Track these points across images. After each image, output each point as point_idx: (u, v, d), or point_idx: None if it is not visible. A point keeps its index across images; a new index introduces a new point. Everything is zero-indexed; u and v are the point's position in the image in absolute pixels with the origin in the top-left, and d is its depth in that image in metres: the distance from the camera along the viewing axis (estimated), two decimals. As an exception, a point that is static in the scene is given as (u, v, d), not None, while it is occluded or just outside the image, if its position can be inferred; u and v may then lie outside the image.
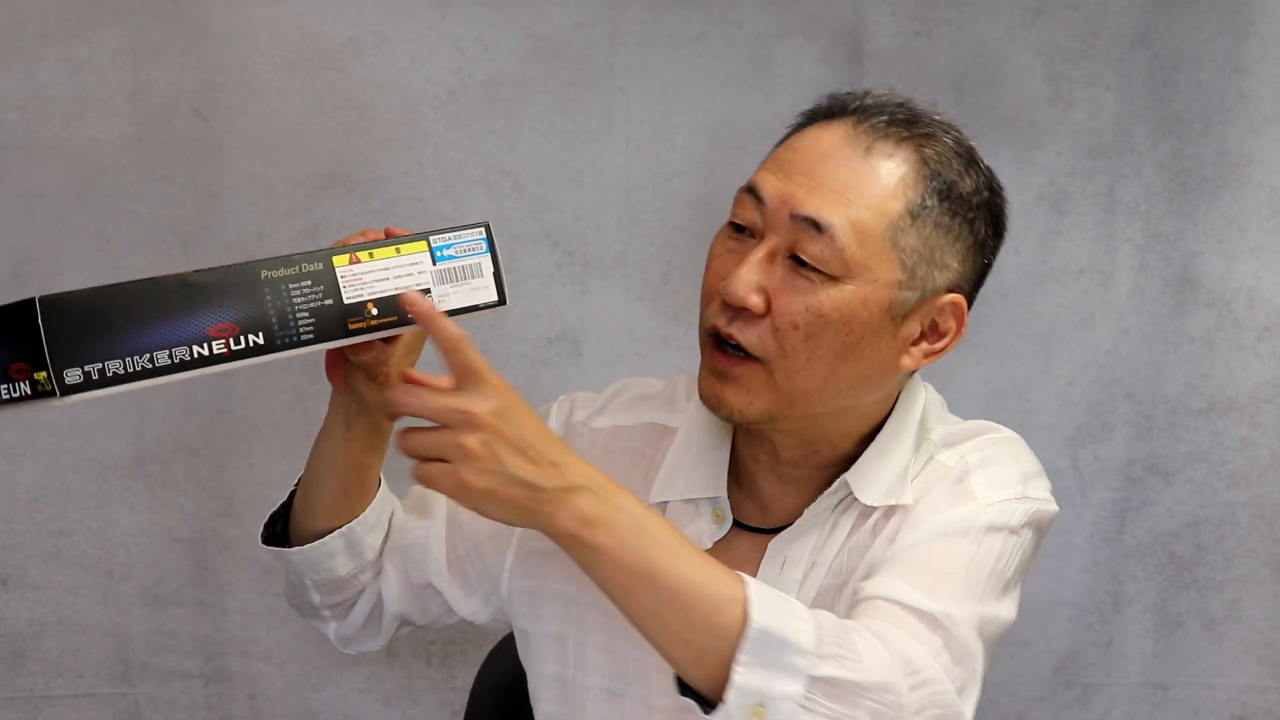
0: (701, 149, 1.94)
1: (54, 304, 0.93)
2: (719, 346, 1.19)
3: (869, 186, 1.17)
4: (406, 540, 1.35)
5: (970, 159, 1.23)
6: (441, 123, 1.92)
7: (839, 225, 1.16)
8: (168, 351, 0.98)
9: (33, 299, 0.93)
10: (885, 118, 1.20)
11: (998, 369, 1.97)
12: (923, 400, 1.29)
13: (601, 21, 1.93)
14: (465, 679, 1.91)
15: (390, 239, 1.12)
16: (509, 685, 1.46)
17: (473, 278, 1.13)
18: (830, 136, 1.20)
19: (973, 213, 1.21)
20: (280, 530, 1.34)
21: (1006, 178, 1.95)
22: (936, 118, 1.22)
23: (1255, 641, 1.97)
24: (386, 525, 1.34)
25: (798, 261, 1.16)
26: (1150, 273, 1.95)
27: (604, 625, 1.27)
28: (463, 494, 1.03)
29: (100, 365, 0.95)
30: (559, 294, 1.95)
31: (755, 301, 1.16)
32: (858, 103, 1.22)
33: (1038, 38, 1.93)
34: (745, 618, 1.02)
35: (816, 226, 1.16)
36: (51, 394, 0.93)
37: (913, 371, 1.25)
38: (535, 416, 1.05)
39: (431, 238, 1.12)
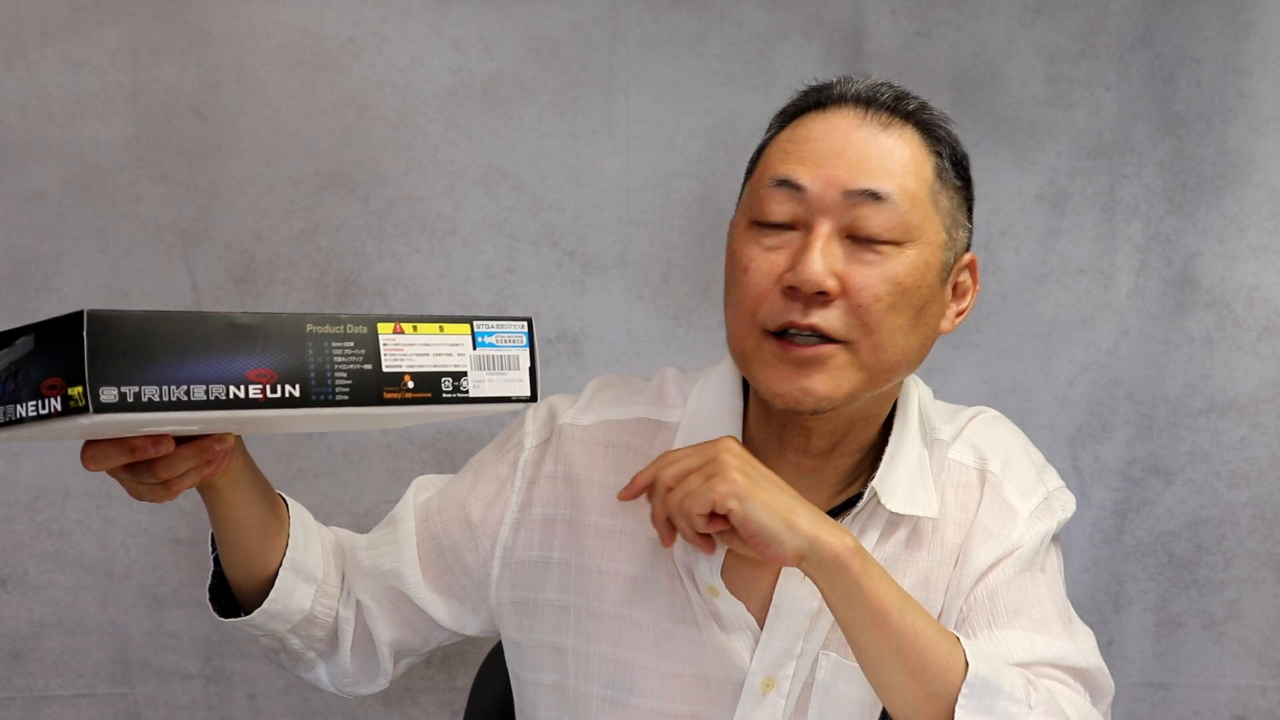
0: (701, 149, 1.94)
1: (101, 319, 0.92)
2: (787, 339, 1.18)
3: (901, 156, 1.20)
4: (381, 566, 1.33)
5: (951, 128, 1.28)
6: (441, 123, 1.92)
7: (894, 192, 1.18)
8: (204, 387, 0.95)
9: (81, 311, 0.91)
10: (884, 99, 1.22)
11: (998, 369, 1.97)
12: (917, 393, 1.30)
13: (601, 21, 1.93)
14: (465, 679, 1.91)
15: (436, 316, 1.11)
16: (508, 687, 1.46)
17: (509, 369, 1.12)
18: (841, 121, 1.21)
19: (966, 175, 1.26)
20: (226, 603, 1.32)
21: (1006, 178, 1.96)
22: (912, 94, 1.25)
23: (1255, 641, 1.97)
24: (316, 532, 1.33)
25: (858, 238, 1.18)
26: (1150, 273, 1.95)
27: (608, 634, 1.26)
28: (736, 492, 1.13)
29: (137, 389, 0.93)
30: (559, 294, 1.95)
31: (833, 285, 1.16)
32: (847, 89, 1.23)
33: (1038, 38, 1.93)
34: (966, 665, 1.12)
35: (875, 196, 1.18)
36: (84, 410, 0.91)
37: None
38: None
39: (476, 322, 1.11)
